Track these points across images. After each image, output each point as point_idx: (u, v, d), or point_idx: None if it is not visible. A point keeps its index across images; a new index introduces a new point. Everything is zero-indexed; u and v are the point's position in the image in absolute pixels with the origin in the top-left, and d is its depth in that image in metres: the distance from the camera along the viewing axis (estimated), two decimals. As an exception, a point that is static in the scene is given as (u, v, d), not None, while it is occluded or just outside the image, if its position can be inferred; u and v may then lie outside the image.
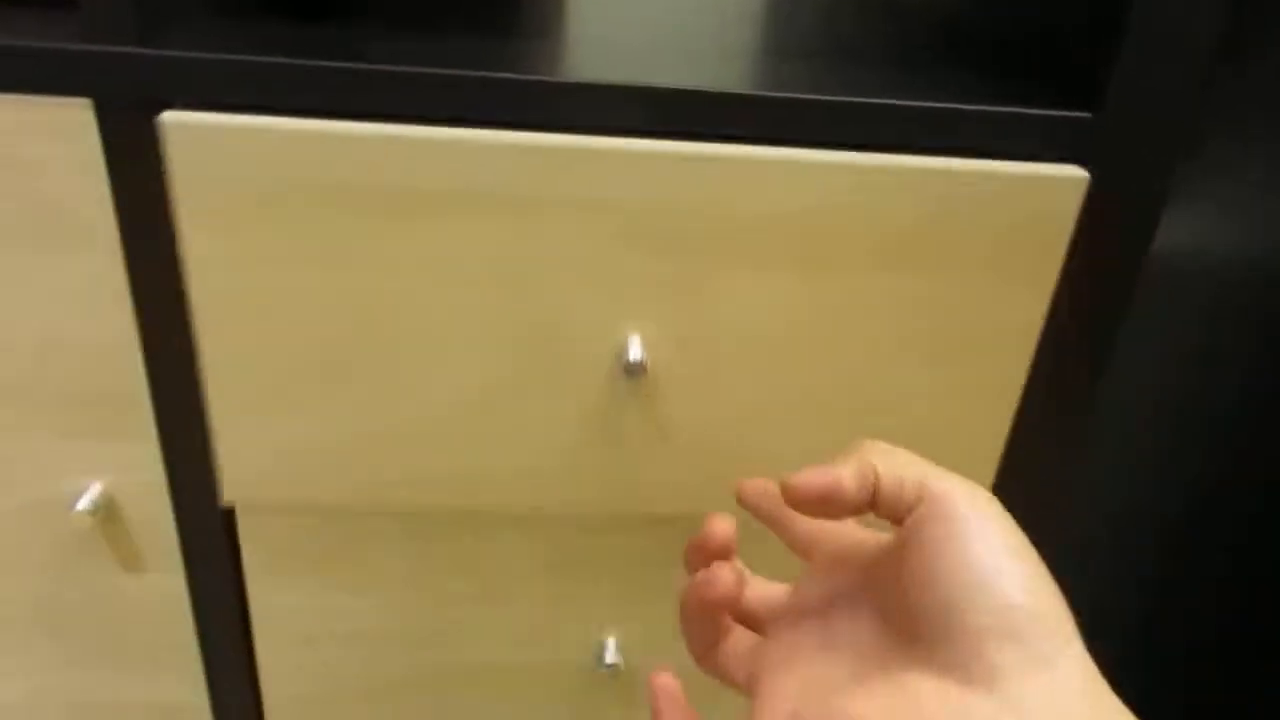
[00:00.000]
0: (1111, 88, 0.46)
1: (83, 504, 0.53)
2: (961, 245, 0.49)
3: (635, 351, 0.49)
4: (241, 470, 0.53)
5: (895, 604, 0.29)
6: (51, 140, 0.45)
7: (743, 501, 0.37)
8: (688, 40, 0.56)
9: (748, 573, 0.37)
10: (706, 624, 0.34)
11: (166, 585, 0.58)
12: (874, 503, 0.29)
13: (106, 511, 0.54)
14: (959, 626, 0.26)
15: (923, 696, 0.26)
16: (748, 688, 0.33)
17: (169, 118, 0.44)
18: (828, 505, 0.29)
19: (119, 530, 0.55)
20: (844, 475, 0.29)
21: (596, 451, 0.54)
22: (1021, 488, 0.58)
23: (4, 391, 0.51)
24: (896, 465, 0.29)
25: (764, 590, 0.36)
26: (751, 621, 0.35)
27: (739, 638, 0.34)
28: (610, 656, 0.63)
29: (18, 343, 0.50)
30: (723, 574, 0.32)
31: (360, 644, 0.61)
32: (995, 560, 0.26)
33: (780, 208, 0.47)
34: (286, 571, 0.58)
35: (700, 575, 0.33)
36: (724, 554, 0.35)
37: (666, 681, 0.35)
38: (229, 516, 0.56)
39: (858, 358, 0.52)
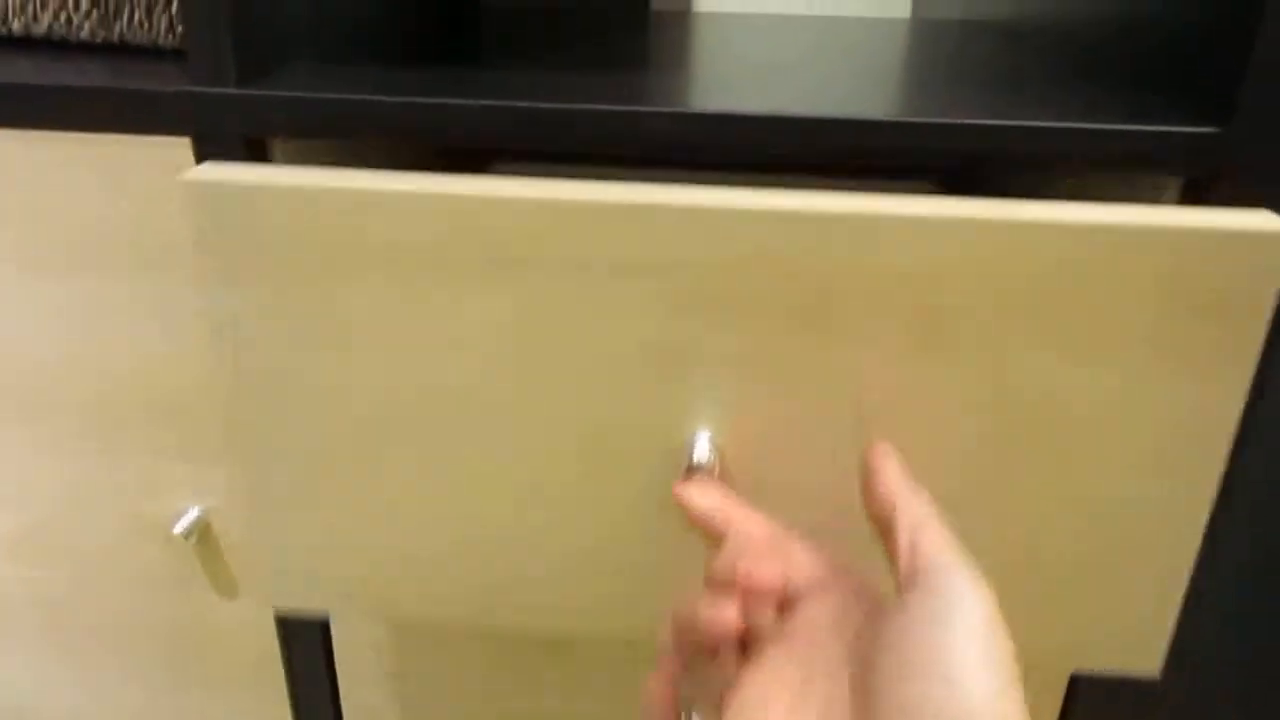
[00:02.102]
0: (1241, 101, 0.41)
1: (180, 527, 0.55)
2: (1117, 316, 0.39)
3: (701, 449, 0.41)
4: (270, 577, 0.48)
5: (869, 668, 0.28)
6: (154, 174, 0.47)
7: None
8: (811, 74, 0.55)
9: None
10: (689, 651, 0.33)
11: (256, 613, 0.59)
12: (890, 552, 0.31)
13: (202, 534, 0.56)
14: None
15: None
16: (711, 701, 0.32)
17: (192, 175, 0.40)
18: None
19: (213, 554, 0.57)
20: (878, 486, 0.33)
21: (659, 571, 0.45)
22: (1211, 648, 0.49)
23: (110, 412, 0.54)
24: (919, 521, 0.30)
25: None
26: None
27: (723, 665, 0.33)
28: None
29: (123, 365, 0.52)
30: (728, 615, 0.32)
31: (439, 690, 0.60)
32: (966, 660, 0.25)
33: (888, 268, 0.39)
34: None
35: (701, 611, 0.32)
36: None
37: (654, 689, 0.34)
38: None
39: (987, 459, 0.42)
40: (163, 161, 0.47)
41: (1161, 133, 0.42)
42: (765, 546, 0.34)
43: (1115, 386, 0.40)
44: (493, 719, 0.62)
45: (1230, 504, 0.44)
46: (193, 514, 0.55)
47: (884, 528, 0.31)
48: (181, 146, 0.46)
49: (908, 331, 0.40)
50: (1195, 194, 0.45)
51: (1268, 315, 0.39)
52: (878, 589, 0.32)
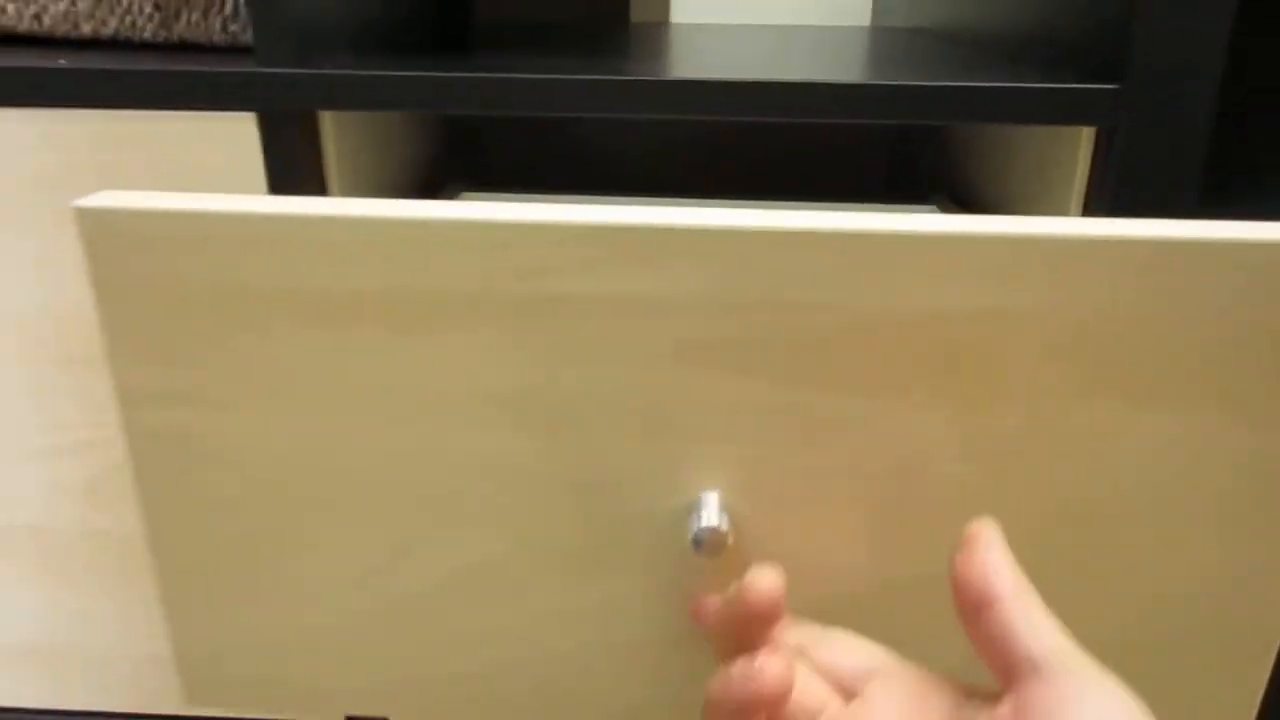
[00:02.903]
0: (1130, 64, 0.50)
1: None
2: (1212, 359, 0.34)
3: (710, 514, 0.36)
4: (198, 669, 0.43)
5: None
6: (220, 148, 0.55)
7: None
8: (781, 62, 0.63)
9: (808, 635, 0.30)
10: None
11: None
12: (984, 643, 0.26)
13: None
14: None
15: None
16: None
17: (85, 203, 0.34)
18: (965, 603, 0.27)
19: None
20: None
21: (654, 654, 0.40)
22: None
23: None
24: (1023, 614, 0.26)
25: (832, 658, 0.30)
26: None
27: None
28: None
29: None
30: (771, 667, 0.27)
31: None
32: None
33: (916, 304, 0.34)
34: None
35: (739, 667, 0.27)
36: (770, 621, 0.29)
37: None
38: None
39: (1046, 525, 0.37)
40: (229, 135, 0.54)
41: (1073, 89, 0.52)
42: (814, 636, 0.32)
43: (1188, 434, 0.35)
44: None
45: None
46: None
47: (976, 602, 0.27)
48: (246, 121, 0.54)
49: (943, 378, 0.34)
50: (1105, 142, 0.53)
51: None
52: (950, 678, 0.30)
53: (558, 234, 0.33)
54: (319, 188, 0.56)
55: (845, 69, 0.59)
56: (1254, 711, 0.41)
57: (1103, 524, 0.37)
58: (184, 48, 0.62)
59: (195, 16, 0.60)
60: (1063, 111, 0.52)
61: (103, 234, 0.34)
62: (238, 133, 0.54)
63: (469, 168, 1.00)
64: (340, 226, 0.34)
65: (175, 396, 0.37)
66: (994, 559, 0.27)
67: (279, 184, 0.56)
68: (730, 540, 0.35)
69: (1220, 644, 0.39)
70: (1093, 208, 0.56)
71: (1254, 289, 0.33)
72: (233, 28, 0.61)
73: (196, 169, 0.55)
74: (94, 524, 0.66)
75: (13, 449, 0.64)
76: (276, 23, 0.52)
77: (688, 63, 0.62)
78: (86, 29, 0.61)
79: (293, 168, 0.55)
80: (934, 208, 0.80)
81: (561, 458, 0.36)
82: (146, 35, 0.61)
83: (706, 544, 0.35)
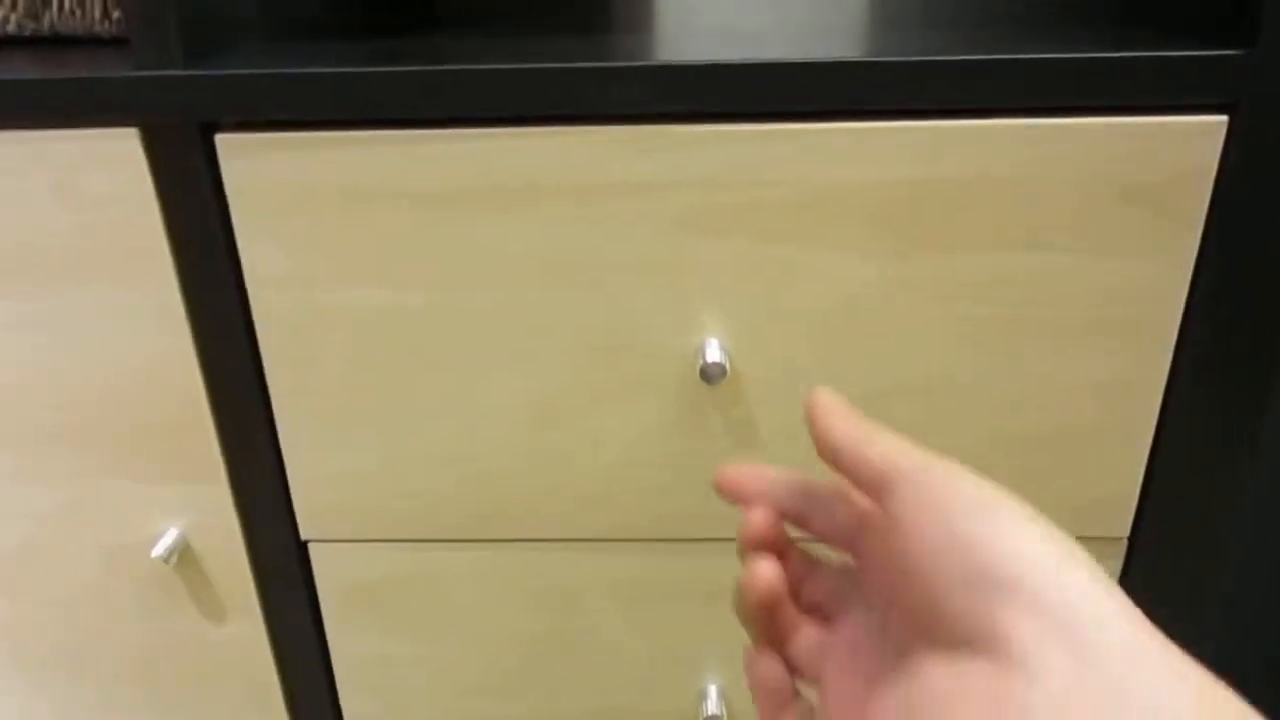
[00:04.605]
0: (1265, 22, 0.39)
1: (159, 550, 0.51)
2: (1080, 212, 0.43)
3: (713, 352, 0.45)
4: (313, 503, 0.51)
5: (893, 587, 0.26)
6: (105, 169, 0.44)
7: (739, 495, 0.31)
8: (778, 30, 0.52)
9: (817, 556, 0.31)
10: (760, 622, 0.30)
11: (248, 632, 0.55)
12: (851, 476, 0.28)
13: (182, 556, 0.53)
14: (942, 598, 0.23)
15: (933, 680, 0.23)
16: (818, 689, 0.29)
17: (222, 137, 0.43)
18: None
19: (197, 575, 0.54)
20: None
21: (676, 464, 0.50)
22: (1175, 507, 0.50)
23: (75, 433, 0.50)
24: (886, 441, 0.27)
25: (830, 577, 0.31)
26: (820, 612, 0.31)
27: (808, 633, 0.30)
28: (712, 706, 0.57)
29: (86, 382, 0.48)
30: (760, 571, 0.29)
31: (441, 694, 0.58)
32: (968, 523, 0.23)
33: (860, 180, 0.43)
34: (363, 615, 0.55)
35: (742, 575, 0.30)
36: (765, 544, 0.30)
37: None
38: (304, 557, 0.54)
39: (963, 346, 0.46)
40: (112, 156, 0.43)
41: (1190, 58, 0.40)
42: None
43: (1065, 270, 0.44)
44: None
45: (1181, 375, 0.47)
46: (171, 535, 0.52)
47: (853, 462, 0.28)
48: (129, 138, 0.43)
49: (882, 234, 0.44)
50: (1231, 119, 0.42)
51: (1205, 200, 0.43)
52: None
53: (597, 136, 0.42)
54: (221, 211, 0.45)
55: (839, 41, 0.48)
56: (1138, 485, 0.49)
57: (1001, 335, 0.46)
58: (57, 42, 0.50)
59: (69, 3, 0.49)
60: (1171, 87, 0.41)
61: (236, 159, 0.43)
62: (121, 150, 0.43)
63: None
64: (450, 139, 0.43)
65: (294, 279, 0.46)
66: (828, 418, 0.29)
67: (173, 208, 0.45)
68: (728, 370, 0.45)
69: (1102, 418, 0.48)
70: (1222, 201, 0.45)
71: (1101, 158, 0.42)
72: (117, 14, 0.49)
73: (74, 194, 0.44)
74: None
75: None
76: (157, 8, 0.40)
77: (680, 37, 0.50)
78: (-66, 23, 0.49)
79: (190, 189, 0.44)
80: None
81: (594, 311, 0.46)
82: (10, 28, 0.49)
83: (712, 375, 0.45)
